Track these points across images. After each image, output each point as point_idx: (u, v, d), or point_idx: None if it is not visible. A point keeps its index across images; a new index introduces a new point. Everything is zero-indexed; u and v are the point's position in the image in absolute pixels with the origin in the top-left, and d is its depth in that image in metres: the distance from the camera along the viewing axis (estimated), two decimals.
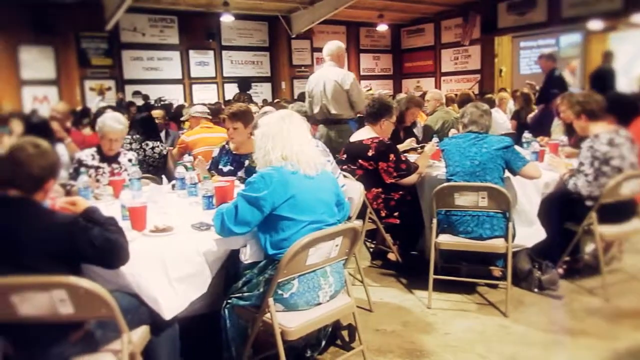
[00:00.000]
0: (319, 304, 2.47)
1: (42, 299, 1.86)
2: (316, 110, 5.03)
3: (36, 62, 12.12)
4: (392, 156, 3.79)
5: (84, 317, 1.98)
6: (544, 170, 3.69)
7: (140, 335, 2.21)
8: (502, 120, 7.04)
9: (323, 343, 2.91)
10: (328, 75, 4.98)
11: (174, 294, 2.31)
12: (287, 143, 2.46)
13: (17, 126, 4.26)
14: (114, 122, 3.65)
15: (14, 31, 11.65)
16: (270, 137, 2.49)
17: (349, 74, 5.06)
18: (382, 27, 14.35)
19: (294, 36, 14.03)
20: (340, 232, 2.44)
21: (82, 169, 3.52)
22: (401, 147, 4.41)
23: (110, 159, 3.76)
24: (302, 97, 9.71)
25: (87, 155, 3.72)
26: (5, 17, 11.41)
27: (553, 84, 6.80)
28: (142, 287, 2.26)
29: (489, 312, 3.43)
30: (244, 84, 13.54)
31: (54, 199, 2.50)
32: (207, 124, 5.38)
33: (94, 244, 1.99)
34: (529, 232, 3.63)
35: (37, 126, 4.23)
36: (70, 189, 3.50)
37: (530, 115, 7.21)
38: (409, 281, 3.92)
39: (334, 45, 5.16)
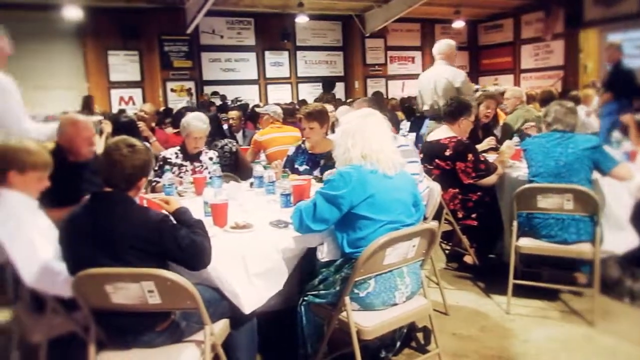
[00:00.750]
0: (395, 304, 2.45)
1: (133, 289, 1.97)
2: (426, 107, 5.19)
3: (123, 65, 12.81)
4: (470, 156, 3.70)
5: (170, 307, 2.08)
6: (636, 171, 3.47)
7: (221, 327, 2.29)
8: (588, 118, 6.68)
9: (398, 344, 2.89)
10: (439, 73, 5.11)
11: (253, 289, 2.37)
12: (367, 142, 2.46)
13: (107, 126, 4.52)
14: (198, 122, 3.82)
15: (105, 37, 12.39)
16: (351, 135, 2.49)
17: (460, 72, 5.17)
18: (459, 24, 13.98)
19: (367, 35, 13.98)
20: (418, 233, 2.41)
21: (167, 167, 3.68)
22: (480, 147, 4.29)
23: (192, 157, 3.92)
24: (379, 97, 9.71)
25: (172, 153, 3.90)
26: (98, 24, 12.17)
27: (620, 77, 6.29)
28: (223, 282, 2.33)
29: (573, 320, 3.27)
30: (328, 83, 13.58)
31: (142, 197, 2.64)
32: (277, 123, 5.47)
33: (179, 245, 2.08)
34: (620, 237, 3.42)
35: (125, 125, 4.48)
36: (155, 185, 3.68)
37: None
38: (486, 285, 3.81)
39: (444, 43, 5.28)
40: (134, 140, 2.21)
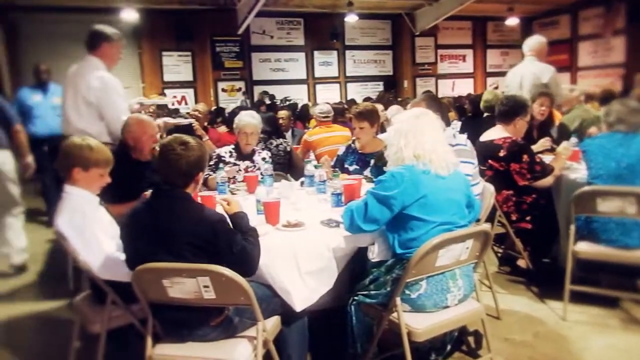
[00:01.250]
0: (447, 307, 2.42)
1: (189, 284, 2.02)
2: None
3: (176, 66, 13.15)
4: (525, 157, 3.60)
5: (225, 303, 2.12)
6: None
7: (273, 324, 2.32)
8: None
9: (448, 348, 2.84)
10: (527, 69, 5.14)
11: (305, 287, 2.39)
12: (420, 142, 2.43)
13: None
14: (249, 117, 3.90)
15: (159, 38, 12.75)
16: (404, 135, 2.47)
17: (549, 67, 5.18)
18: (512, 21, 13.61)
19: (417, 34, 13.82)
20: (472, 235, 2.37)
21: (221, 165, 3.76)
22: (535, 147, 4.16)
23: (245, 156, 3.98)
24: (434, 96, 9.54)
25: (226, 152, 3.98)
26: (153, 26, 12.53)
27: None
28: (275, 279, 2.36)
29: (634, 330, 3.13)
30: (389, 81, 13.48)
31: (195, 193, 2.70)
32: (326, 123, 5.47)
33: (232, 248, 2.12)
34: None
35: (180, 125, 4.61)
36: (207, 179, 3.73)
37: None
38: (540, 290, 3.70)
39: (535, 40, 5.32)
40: (186, 138, 2.26)
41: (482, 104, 5.64)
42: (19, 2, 11.32)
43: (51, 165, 5.14)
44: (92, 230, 2.42)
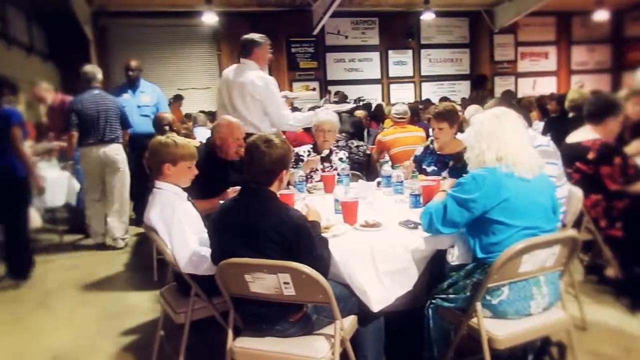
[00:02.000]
0: (530, 314, 2.33)
1: (270, 280, 2.07)
2: None
3: None
4: (617, 160, 3.40)
5: (304, 300, 2.15)
6: None
7: (350, 323, 2.32)
8: None
9: (530, 358, 2.73)
10: None
11: (382, 287, 2.39)
12: (502, 143, 2.34)
13: None
14: (327, 115, 3.96)
15: (237, 40, 13.10)
16: (485, 137, 2.39)
17: None
18: (601, 15, 12.82)
19: (496, 31, 13.40)
20: (558, 240, 2.27)
21: (300, 164, 3.82)
22: (628, 150, 3.91)
23: (322, 158, 4.02)
24: (508, 96, 9.22)
25: (304, 151, 4.04)
26: (231, 28, 12.91)
27: None
28: (352, 278, 2.37)
29: None
30: (480, 79, 13.16)
31: None
32: (401, 123, 5.41)
33: (310, 252, 2.16)
34: None
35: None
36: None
37: None
38: (632, 302, 3.47)
39: None
40: (271, 136, 2.32)
41: (567, 104, 5.38)
42: (110, 8, 11.99)
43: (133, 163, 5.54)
44: (180, 225, 2.53)
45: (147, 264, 4.56)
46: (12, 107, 4.58)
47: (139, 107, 6.02)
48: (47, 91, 5.86)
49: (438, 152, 3.85)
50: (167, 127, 4.96)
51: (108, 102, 5.45)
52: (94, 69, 5.69)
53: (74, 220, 6.34)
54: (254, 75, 4.22)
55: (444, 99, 10.22)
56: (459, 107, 5.62)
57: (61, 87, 6.13)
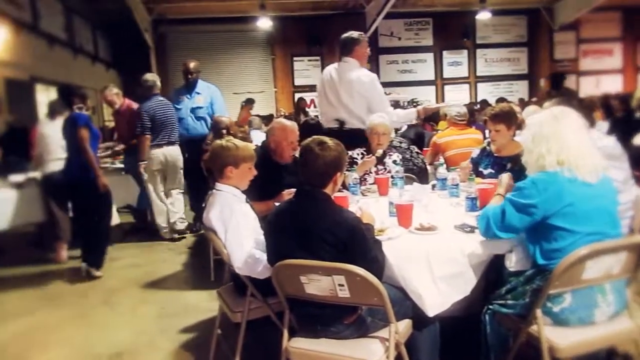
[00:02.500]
0: (594, 323, 2.24)
1: (325, 282, 2.09)
2: None
3: (307, 70, 13.60)
4: None
5: (358, 302, 2.15)
6: None
7: (404, 327, 2.31)
8: None
9: None
10: None
11: (437, 292, 2.36)
12: (564, 146, 2.26)
13: None
14: (379, 118, 3.95)
15: (291, 44, 13.28)
16: (544, 140, 2.31)
17: None
18: None
19: (556, 28, 12.96)
20: (625, 246, 2.18)
21: (354, 167, 3.83)
22: None
23: (377, 159, 4.00)
24: (568, 94, 8.89)
25: (358, 153, 4.05)
26: (286, 32, 13.08)
27: None
28: (407, 282, 2.36)
29: None
30: (557, 77, 12.76)
31: None
32: (459, 125, 5.31)
33: (365, 254, 2.17)
34: None
35: (313, 127, 4.79)
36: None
37: None
38: None
39: None
40: (324, 139, 2.34)
41: (634, 103, 5.15)
42: (169, 15, 12.40)
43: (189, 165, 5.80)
44: (237, 226, 2.60)
45: (205, 264, 4.69)
46: (80, 112, 4.86)
47: (192, 109, 6.14)
48: (116, 96, 6.15)
49: (495, 155, 3.76)
50: (224, 131, 5.08)
51: (170, 107, 5.88)
52: (154, 77, 6.06)
53: (136, 221, 6.58)
54: (360, 73, 4.38)
55: (501, 100, 9.97)
56: (517, 108, 5.47)
57: (122, 92, 6.39)
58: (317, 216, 2.19)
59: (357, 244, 2.15)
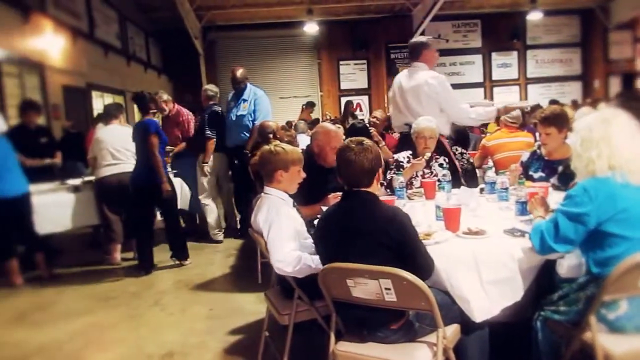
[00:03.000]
0: None
1: (372, 285, 2.09)
2: None
3: (352, 74, 13.62)
4: None
5: (405, 307, 2.14)
6: None
7: (452, 332, 2.29)
8: None
9: None
10: None
11: (486, 297, 2.32)
12: (615, 150, 2.17)
13: None
14: (427, 122, 3.90)
15: (337, 48, 13.34)
16: (594, 144, 2.21)
17: None
18: None
19: (612, 27, 12.50)
20: None
21: (400, 171, 3.81)
22: None
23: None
24: (629, 95, 8.56)
25: (404, 157, 4.02)
26: (332, 37, 13.15)
27: None
28: (454, 286, 2.33)
29: None
30: (629, 78, 12.32)
31: None
32: (510, 128, 5.20)
33: (418, 246, 2.19)
34: None
35: (359, 130, 4.82)
36: (392, 179, 3.79)
37: None
38: None
39: None
40: (361, 138, 2.37)
41: None
42: (218, 22, 12.68)
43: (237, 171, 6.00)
44: (279, 226, 2.64)
45: (252, 266, 4.76)
46: (151, 118, 5.21)
47: (238, 117, 6.19)
48: (166, 102, 6.34)
49: (546, 158, 3.67)
50: (271, 135, 5.16)
51: (223, 116, 6.28)
52: (215, 88, 6.44)
53: (185, 224, 6.75)
54: (427, 76, 4.40)
55: (553, 102, 9.70)
56: (569, 110, 5.32)
57: (173, 98, 6.59)
58: (367, 217, 2.21)
59: (409, 237, 2.17)
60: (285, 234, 2.64)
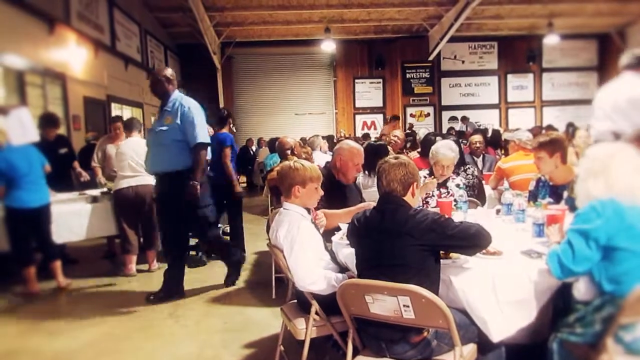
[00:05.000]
0: None
1: (390, 302, 2.12)
2: None
3: (368, 92, 13.73)
4: None
5: (423, 324, 2.17)
6: None
7: (469, 351, 2.30)
8: None
9: None
10: None
11: (502, 317, 2.33)
12: (615, 183, 2.22)
13: None
14: (447, 150, 3.94)
15: (353, 67, 13.48)
16: (592, 175, 2.29)
17: None
18: None
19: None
20: None
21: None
22: None
23: (439, 184, 4.01)
24: None
25: (421, 176, 4.05)
26: (348, 55, 13.28)
27: None
28: (472, 306, 2.34)
29: None
30: None
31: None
32: (524, 150, 5.21)
33: (446, 233, 2.27)
34: None
35: (377, 149, 4.86)
36: None
37: None
38: None
39: None
40: (399, 155, 2.54)
41: None
42: (237, 38, 12.87)
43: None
44: (302, 244, 2.69)
45: (266, 281, 4.79)
46: (225, 132, 5.89)
47: (156, 133, 4.67)
48: None
49: (551, 184, 3.70)
50: (289, 152, 5.22)
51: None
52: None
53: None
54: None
55: (570, 125, 9.70)
56: (584, 132, 5.32)
57: None
58: (401, 220, 2.30)
59: (443, 236, 2.26)
60: (312, 257, 2.71)
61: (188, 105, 4.51)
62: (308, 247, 2.70)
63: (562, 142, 3.72)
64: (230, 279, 5.08)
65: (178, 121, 4.46)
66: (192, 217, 4.63)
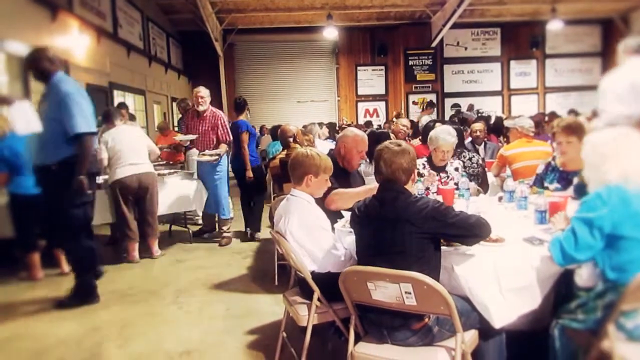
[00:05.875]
0: None
1: (392, 289, 2.13)
2: None
3: (370, 80, 13.68)
4: None
5: (425, 311, 2.18)
6: None
7: (471, 337, 2.31)
8: None
9: None
10: None
11: (504, 303, 2.34)
12: (627, 164, 2.22)
13: None
14: (447, 135, 3.92)
15: (356, 54, 13.41)
16: (605, 160, 2.28)
17: None
18: None
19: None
20: None
21: (420, 178, 3.85)
22: None
23: (438, 168, 4.02)
24: None
25: (420, 164, 4.06)
26: (351, 42, 13.21)
27: None
28: (473, 292, 2.35)
29: None
30: None
31: None
32: (526, 138, 5.20)
33: (447, 222, 2.27)
34: None
35: (380, 136, 4.85)
36: None
37: None
38: None
39: None
40: (400, 142, 2.51)
41: None
42: (239, 25, 12.80)
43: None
44: (320, 229, 2.76)
45: (268, 268, 4.81)
46: (242, 119, 6.28)
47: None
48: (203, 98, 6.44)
49: (561, 169, 3.68)
50: (291, 140, 5.21)
51: None
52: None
53: (204, 224, 6.81)
54: None
55: (572, 112, 9.66)
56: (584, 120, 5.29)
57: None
58: (401, 208, 2.30)
59: (443, 224, 2.26)
60: (331, 236, 2.80)
61: (66, 89, 3.99)
62: (327, 226, 2.79)
63: (584, 127, 3.72)
64: (69, 299, 4.32)
65: (55, 108, 3.98)
66: (59, 217, 4.16)
